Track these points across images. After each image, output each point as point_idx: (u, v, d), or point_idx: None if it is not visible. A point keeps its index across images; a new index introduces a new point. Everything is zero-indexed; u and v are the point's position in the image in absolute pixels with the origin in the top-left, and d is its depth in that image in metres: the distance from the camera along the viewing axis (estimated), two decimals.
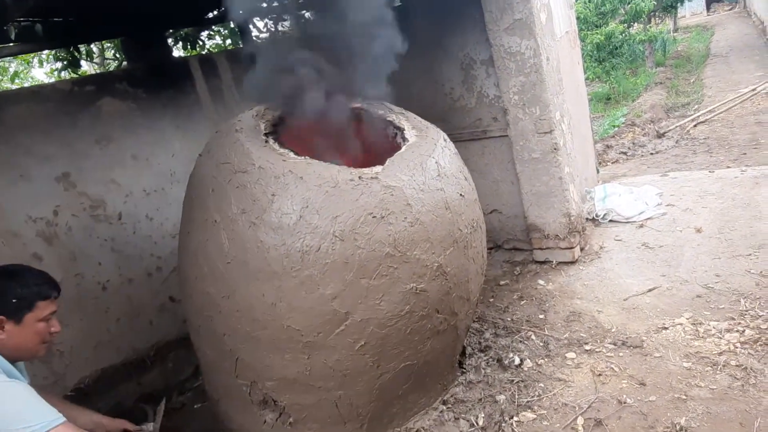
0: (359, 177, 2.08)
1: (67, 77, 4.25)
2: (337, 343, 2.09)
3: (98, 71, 5.58)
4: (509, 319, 3.31)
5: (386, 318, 2.10)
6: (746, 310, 2.85)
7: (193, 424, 3.04)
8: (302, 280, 2.00)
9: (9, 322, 1.75)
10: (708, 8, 28.52)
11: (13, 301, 1.76)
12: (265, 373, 2.24)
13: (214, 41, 5.15)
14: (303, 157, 2.15)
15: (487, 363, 2.85)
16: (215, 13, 3.93)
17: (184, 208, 2.44)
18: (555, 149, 3.65)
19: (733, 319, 2.80)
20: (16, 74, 6.24)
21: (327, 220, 1.99)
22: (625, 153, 7.13)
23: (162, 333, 3.45)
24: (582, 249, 3.98)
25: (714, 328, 2.77)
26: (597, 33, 10.85)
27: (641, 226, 4.19)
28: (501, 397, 2.56)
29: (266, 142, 2.25)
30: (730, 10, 27.34)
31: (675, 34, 19.92)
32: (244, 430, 2.50)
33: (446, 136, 2.58)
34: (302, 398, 2.26)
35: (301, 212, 2.00)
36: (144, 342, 3.37)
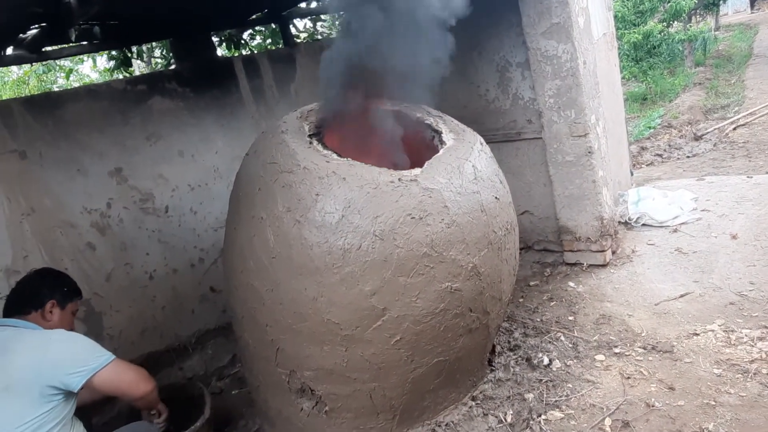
0: (399, 179, 2.18)
1: (119, 75, 4.46)
2: (373, 337, 2.19)
3: (146, 70, 5.82)
4: (539, 319, 3.36)
5: (421, 315, 2.19)
6: None
7: (231, 408, 3.19)
8: (343, 277, 2.11)
9: (57, 307, 2.12)
10: (752, 5, 27.56)
11: (65, 289, 2.19)
12: (304, 363, 2.36)
13: (255, 41, 5.29)
14: (346, 159, 2.25)
15: (516, 362, 2.91)
16: (258, 15, 4.07)
17: (230, 205, 2.58)
18: (589, 152, 3.67)
19: (766, 327, 2.80)
20: (70, 71, 6.54)
21: (368, 219, 2.09)
22: (660, 155, 7.05)
23: (203, 321, 3.62)
24: (614, 252, 3.99)
25: (746, 335, 2.77)
26: (635, 32, 10.65)
27: (675, 230, 4.17)
28: (529, 396, 2.63)
29: (311, 143, 2.36)
30: None
31: (716, 32, 19.33)
32: (281, 416, 2.63)
33: (482, 140, 2.65)
34: (338, 388, 2.38)
35: (344, 212, 2.10)
36: (186, 329, 3.55)
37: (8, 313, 2.07)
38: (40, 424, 1.83)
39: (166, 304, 3.44)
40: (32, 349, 1.89)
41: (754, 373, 2.49)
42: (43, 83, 8.26)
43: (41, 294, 2.11)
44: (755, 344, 2.69)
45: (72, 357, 1.92)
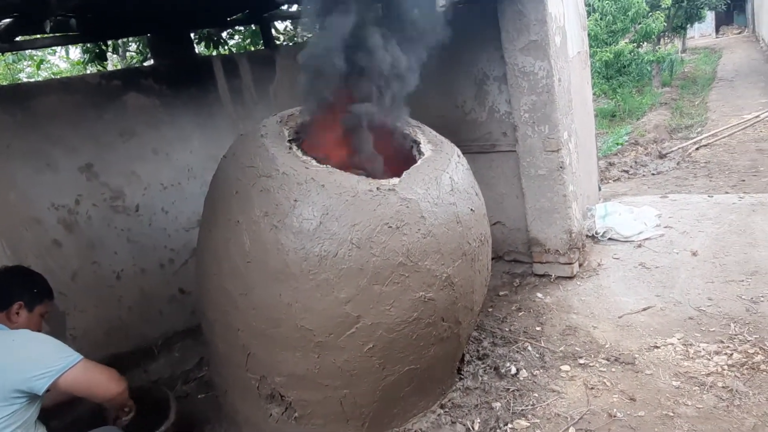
0: (377, 188, 2.20)
1: (91, 69, 4.35)
2: (347, 344, 2.20)
3: (120, 64, 5.69)
4: (507, 329, 3.42)
5: (395, 323, 2.21)
6: (735, 335, 2.97)
7: (197, 413, 3.14)
8: (318, 283, 2.12)
9: (24, 309, 2.06)
10: (717, 31, 28.74)
11: (34, 291, 2.11)
12: (275, 369, 2.35)
13: (234, 41, 5.25)
14: (325, 166, 2.26)
15: (485, 371, 2.96)
16: (239, 15, 4.04)
17: (206, 207, 2.56)
18: (561, 167, 3.77)
19: (723, 342, 2.92)
20: (41, 61, 6.34)
21: (345, 227, 2.11)
22: (627, 171, 7.27)
23: (170, 323, 3.56)
24: (581, 265, 4.10)
25: (704, 349, 2.89)
26: (606, 51, 10.99)
27: (639, 245, 4.31)
28: (496, 404, 2.68)
29: (290, 148, 2.36)
30: (739, 33, 27.58)
31: (683, 54, 20.09)
32: (249, 421, 2.62)
33: (460, 152, 2.70)
34: (309, 395, 2.38)
35: (322, 218, 2.11)
36: (153, 331, 3.49)
37: None
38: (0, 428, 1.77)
39: (133, 304, 3.37)
40: None
41: (710, 386, 2.59)
42: (11, 71, 8.00)
43: (8, 294, 2.04)
44: (712, 358, 2.81)
45: (36, 359, 1.86)
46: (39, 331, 2.11)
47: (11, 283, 2.09)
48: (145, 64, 5.14)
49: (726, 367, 2.73)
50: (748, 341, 2.89)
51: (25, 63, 9.22)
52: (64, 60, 8.27)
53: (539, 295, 3.83)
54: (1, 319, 2.00)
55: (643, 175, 7.04)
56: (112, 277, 3.26)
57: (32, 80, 3.59)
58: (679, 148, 7.83)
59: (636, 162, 7.56)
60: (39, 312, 2.13)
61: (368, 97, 2.56)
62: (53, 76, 8.22)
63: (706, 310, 3.26)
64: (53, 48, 6.38)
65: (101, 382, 1.99)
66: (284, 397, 2.43)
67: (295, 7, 4.64)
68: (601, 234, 4.55)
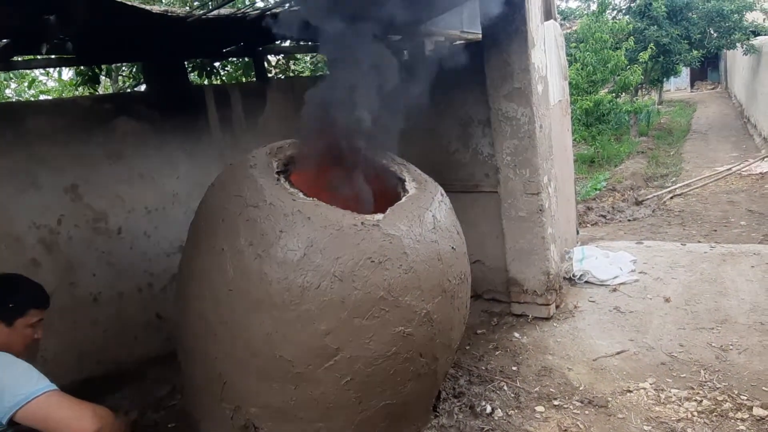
0: (362, 223, 2.24)
1: (84, 92, 4.39)
2: (324, 376, 2.20)
3: (111, 87, 5.74)
4: (484, 368, 3.44)
5: (373, 357, 2.23)
6: (705, 381, 3.03)
7: None
8: (299, 314, 2.13)
9: (1, 323, 1.91)
10: (692, 85, 29.98)
11: (10, 305, 1.94)
12: (250, 399, 2.33)
13: (226, 70, 5.35)
14: (312, 199, 2.31)
15: (460, 409, 2.97)
16: (233, 47, 4.14)
17: (190, 233, 2.57)
18: (540, 210, 3.88)
19: (693, 388, 2.99)
20: (33, 81, 6.35)
21: (329, 260, 2.14)
22: (604, 216, 7.45)
23: (145, 349, 3.51)
24: (557, 306, 4.17)
25: (674, 395, 2.94)
26: (587, 99, 11.41)
27: (614, 290, 4.41)
28: None
29: (278, 180, 2.40)
30: (713, 89, 28.79)
31: (660, 106, 20.88)
32: None
33: (443, 191, 2.77)
34: (284, 427, 2.35)
35: (306, 250, 2.14)
36: (126, 356, 3.43)
37: None
38: None
39: (108, 328, 3.32)
40: None
41: None
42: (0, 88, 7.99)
43: None
44: (682, 404, 2.86)
45: (8, 383, 1.72)
46: (29, 341, 1.98)
47: None
48: (136, 88, 5.21)
49: (696, 413, 2.78)
50: (717, 388, 2.96)
51: (12, 80, 9.19)
52: (53, 80, 8.28)
53: (516, 334, 3.87)
54: None
55: (620, 221, 7.23)
56: (89, 299, 3.22)
57: (24, 100, 3.60)
58: (654, 196, 8.08)
59: (613, 207, 7.76)
60: (24, 324, 1.95)
61: (357, 136, 2.65)
62: (41, 95, 8.22)
63: (677, 356, 3.33)
64: (47, 69, 6.41)
65: (65, 420, 1.70)
66: (258, 428, 2.39)
67: (288, 43, 4.78)
68: (578, 277, 4.64)
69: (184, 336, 2.52)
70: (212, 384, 2.40)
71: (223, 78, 5.27)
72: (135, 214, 3.44)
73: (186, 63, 4.29)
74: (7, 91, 9.41)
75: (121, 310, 3.39)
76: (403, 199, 2.53)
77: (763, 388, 2.91)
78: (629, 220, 7.21)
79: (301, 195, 2.33)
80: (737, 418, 2.70)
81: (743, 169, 8.80)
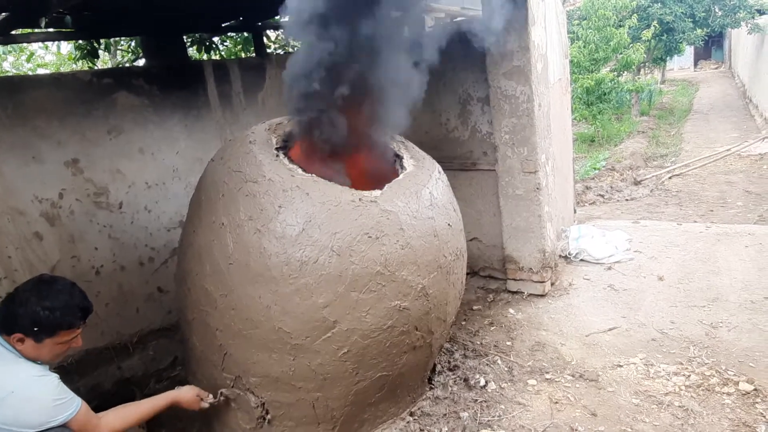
0: (360, 199, 2.28)
1: (83, 66, 4.36)
2: (322, 348, 2.27)
3: (109, 62, 5.70)
4: (478, 342, 3.52)
5: (370, 330, 2.29)
6: (694, 357, 3.11)
7: (169, 412, 3.16)
8: (298, 288, 2.19)
9: (28, 338, 1.89)
10: (695, 64, 29.72)
11: (35, 329, 1.88)
12: (250, 370, 2.40)
13: (225, 45, 5.31)
14: (310, 175, 2.34)
15: (455, 381, 3.05)
16: (232, 22, 4.12)
17: (191, 208, 2.61)
18: (537, 188, 3.91)
19: (682, 364, 3.06)
20: (32, 54, 6.30)
21: (327, 235, 2.19)
22: (602, 196, 7.48)
23: (147, 321, 3.57)
24: (552, 284, 4.24)
25: (663, 370, 3.02)
26: (588, 78, 11.33)
27: (609, 268, 4.47)
28: (464, 414, 2.76)
29: (277, 156, 2.43)
30: (716, 68, 28.55)
31: (662, 85, 20.72)
32: (222, 421, 2.65)
33: (440, 169, 2.81)
34: (282, 396, 2.43)
35: (304, 225, 2.19)
36: (128, 328, 3.49)
37: None
38: None
39: (110, 300, 3.38)
40: None
41: (668, 405, 2.72)
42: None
43: (9, 320, 1.88)
44: (671, 378, 2.94)
45: (24, 422, 1.80)
46: (60, 355, 1.99)
47: (17, 312, 1.87)
48: (135, 63, 5.18)
49: (683, 387, 2.86)
50: (706, 364, 3.04)
51: (10, 54, 9.12)
52: (51, 54, 8.21)
53: (511, 311, 3.94)
54: (11, 341, 1.89)
55: (618, 200, 7.26)
56: (91, 272, 3.27)
57: (24, 74, 3.59)
58: (653, 176, 8.10)
59: (612, 187, 7.79)
60: (54, 342, 1.92)
61: (356, 112, 2.66)
62: (39, 68, 8.16)
63: (668, 332, 3.41)
64: (46, 43, 6.37)
65: None
66: (258, 397, 2.47)
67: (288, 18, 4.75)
68: (573, 255, 4.70)
69: (186, 308, 2.58)
70: (213, 355, 2.47)
71: (222, 53, 5.24)
72: (135, 189, 3.47)
73: (185, 38, 4.27)
74: (5, 65, 9.35)
75: (123, 283, 3.44)
76: (401, 176, 2.57)
77: (750, 364, 2.98)
78: (627, 200, 7.24)
79: (299, 171, 2.36)
80: (723, 392, 2.78)
81: (742, 150, 8.80)
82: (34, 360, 1.93)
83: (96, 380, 3.32)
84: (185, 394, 2.41)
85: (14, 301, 1.91)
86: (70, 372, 3.15)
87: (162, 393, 2.38)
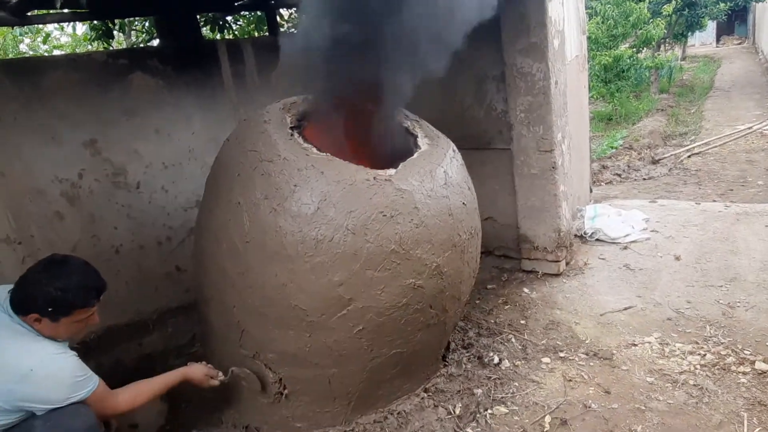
0: (374, 178, 2.29)
1: (98, 47, 4.38)
2: (337, 325, 2.30)
3: (123, 43, 5.72)
4: (492, 321, 3.54)
5: (385, 308, 2.31)
6: (710, 337, 3.10)
7: (187, 386, 3.24)
8: (313, 266, 2.21)
9: (44, 318, 1.92)
10: (718, 40, 28.89)
11: (49, 309, 1.90)
12: (267, 346, 2.45)
13: (238, 24, 5.29)
14: (325, 154, 2.35)
15: (468, 359, 3.08)
16: (245, 0, 4.10)
17: (207, 187, 2.64)
18: (553, 168, 3.88)
19: (697, 343, 3.05)
20: (47, 36, 6.35)
21: (342, 214, 2.20)
22: (619, 175, 7.39)
23: (165, 300, 3.64)
24: (567, 263, 4.22)
25: (679, 349, 3.02)
26: (606, 54, 11.08)
27: (625, 248, 4.44)
28: (478, 391, 2.79)
29: (292, 135, 2.44)
30: (739, 44, 27.74)
31: (682, 62, 20.23)
32: (242, 397, 2.71)
33: (455, 147, 2.79)
34: (299, 372, 2.48)
35: (319, 204, 2.20)
36: (148, 306, 3.56)
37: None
38: None
39: (129, 279, 3.44)
40: (6, 368, 1.82)
41: (682, 384, 2.72)
42: (15, 42, 8.00)
43: (25, 301, 1.91)
44: (686, 357, 2.93)
45: (43, 399, 1.86)
46: (77, 333, 2.03)
47: (33, 288, 1.90)
48: (149, 43, 5.19)
49: (698, 366, 2.85)
50: (722, 343, 3.02)
51: (26, 35, 9.19)
52: (66, 35, 8.26)
53: (525, 290, 3.94)
54: (29, 321, 1.92)
55: (635, 180, 7.16)
56: (111, 251, 3.33)
57: (41, 55, 3.62)
58: (671, 155, 7.96)
59: (629, 166, 7.67)
60: (70, 320, 1.95)
61: (370, 91, 2.64)
62: (54, 50, 8.22)
63: (684, 312, 3.39)
64: (61, 24, 6.40)
65: (99, 411, 2.02)
66: (275, 373, 2.52)
67: None
68: (589, 234, 4.67)
69: (204, 286, 2.63)
70: (231, 332, 2.52)
71: (236, 33, 5.22)
72: (152, 169, 3.50)
73: (198, 17, 4.26)
74: (22, 47, 9.43)
75: (141, 262, 3.50)
76: (416, 154, 2.56)
77: (767, 343, 2.96)
78: (644, 179, 7.14)
79: (314, 150, 2.37)
80: (739, 372, 2.77)
81: (765, 128, 8.59)
82: (52, 338, 1.98)
83: (118, 356, 3.40)
84: (196, 371, 2.45)
85: (27, 282, 1.93)
86: (92, 348, 3.24)
87: (173, 370, 2.43)
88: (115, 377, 2.26)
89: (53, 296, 1.89)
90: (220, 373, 2.51)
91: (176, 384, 2.39)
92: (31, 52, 8.08)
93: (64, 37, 9.32)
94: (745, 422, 2.42)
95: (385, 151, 2.78)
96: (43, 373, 1.85)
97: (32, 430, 1.86)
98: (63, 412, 1.88)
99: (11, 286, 1.97)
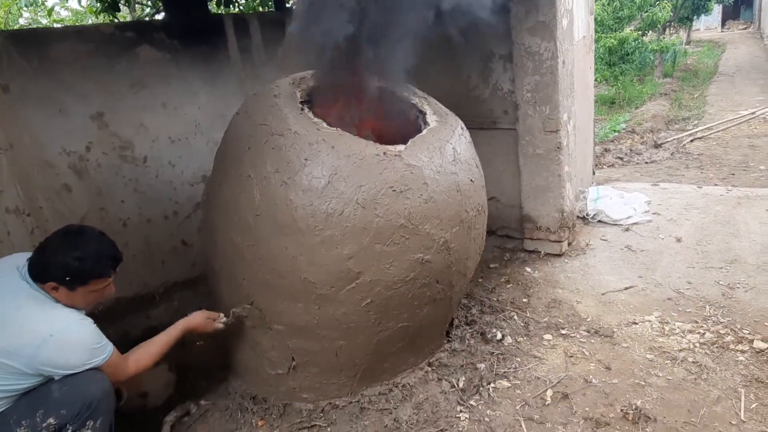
0: (384, 153, 2.30)
1: (105, 19, 4.33)
2: (346, 298, 2.34)
3: (128, 16, 5.65)
4: (495, 299, 3.58)
5: (393, 281, 2.35)
6: (709, 316, 3.15)
7: (194, 359, 3.29)
8: (323, 239, 2.24)
9: (62, 287, 1.95)
10: (723, 24, 28.63)
11: (67, 279, 1.93)
12: (276, 318, 2.49)
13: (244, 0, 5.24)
14: (335, 129, 2.36)
15: (472, 335, 3.13)
16: None
17: (216, 161, 2.65)
18: (558, 148, 3.89)
19: (697, 322, 3.10)
20: (51, 10, 6.30)
21: (352, 188, 2.22)
22: (621, 158, 7.39)
23: (172, 273, 3.68)
24: (569, 244, 4.26)
25: (678, 328, 3.07)
26: (611, 37, 10.99)
27: (627, 229, 4.47)
28: (481, 366, 2.85)
29: (302, 110, 2.45)
30: (745, 29, 27.50)
31: (687, 46, 20.06)
32: (249, 368, 2.77)
33: (463, 125, 2.80)
34: (307, 344, 2.52)
35: (330, 178, 2.22)
36: (155, 279, 3.60)
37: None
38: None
39: (137, 252, 3.48)
40: (28, 333, 1.86)
41: (681, 361, 2.77)
42: (12, 17, 7.92)
43: (43, 269, 1.94)
44: (685, 336, 2.99)
45: (62, 364, 1.91)
46: (94, 302, 2.07)
47: (48, 261, 1.93)
48: (155, 17, 5.14)
49: (698, 344, 2.91)
50: (721, 323, 3.07)
51: (25, 9, 9.07)
52: (66, 9, 8.16)
53: (528, 269, 3.99)
54: (46, 289, 1.96)
55: (637, 163, 7.17)
56: (118, 224, 3.36)
57: (49, 26, 3.60)
58: (674, 139, 7.96)
59: (631, 150, 7.68)
60: (87, 290, 1.99)
61: (378, 68, 2.64)
62: (55, 24, 8.13)
63: (684, 292, 3.44)
64: None
65: (113, 375, 2.07)
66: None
67: None
68: (591, 216, 4.70)
69: (213, 259, 2.66)
70: (241, 304, 2.55)
71: (242, 8, 5.17)
72: (159, 144, 3.51)
73: None
74: (21, 20, 9.32)
75: (149, 236, 3.53)
76: (425, 131, 2.58)
77: (766, 323, 3.02)
78: (647, 163, 7.14)
79: (324, 125, 2.38)
80: (737, 350, 2.82)
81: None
82: (69, 307, 2.01)
83: (125, 327, 3.45)
84: (196, 318, 2.44)
85: (45, 252, 1.96)
86: (101, 319, 3.24)
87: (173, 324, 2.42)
88: (122, 348, 2.28)
89: (71, 265, 1.93)
90: (222, 315, 2.51)
91: (180, 336, 2.40)
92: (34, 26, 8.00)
93: (64, 11, 9.22)
94: (743, 398, 2.48)
95: (393, 127, 2.80)
96: (63, 338, 1.89)
97: (50, 394, 1.90)
98: (79, 377, 1.93)
99: (30, 254, 2.00)
